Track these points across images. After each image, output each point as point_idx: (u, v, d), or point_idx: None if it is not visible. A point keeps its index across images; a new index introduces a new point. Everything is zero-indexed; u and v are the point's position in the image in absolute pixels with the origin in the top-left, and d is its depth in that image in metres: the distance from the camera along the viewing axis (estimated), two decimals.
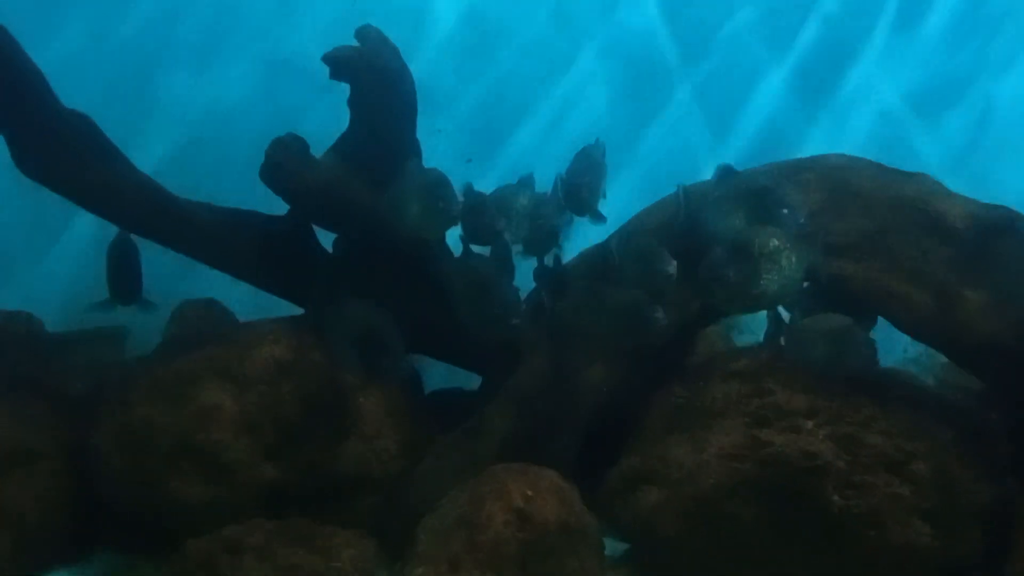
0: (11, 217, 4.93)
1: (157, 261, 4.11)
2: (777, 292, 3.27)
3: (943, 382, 4.30)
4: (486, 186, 3.77)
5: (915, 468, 3.35)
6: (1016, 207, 3.72)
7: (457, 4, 5.70)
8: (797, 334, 3.49)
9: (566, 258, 3.96)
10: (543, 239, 3.78)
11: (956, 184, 3.91)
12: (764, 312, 3.66)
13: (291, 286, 4.15)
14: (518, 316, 3.59)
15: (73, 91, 3.81)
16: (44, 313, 4.45)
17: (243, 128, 4.93)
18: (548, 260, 3.85)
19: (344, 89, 3.99)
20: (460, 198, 3.60)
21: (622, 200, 4.10)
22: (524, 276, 3.86)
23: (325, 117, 4.09)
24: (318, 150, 4.02)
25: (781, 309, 3.57)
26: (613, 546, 3.56)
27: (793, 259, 3.23)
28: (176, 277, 4.36)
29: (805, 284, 3.36)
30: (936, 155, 5.76)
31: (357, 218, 4.02)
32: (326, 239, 4.22)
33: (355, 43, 3.96)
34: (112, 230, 4.05)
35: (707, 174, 3.82)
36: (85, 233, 4.73)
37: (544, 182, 3.79)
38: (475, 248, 3.77)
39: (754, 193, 3.48)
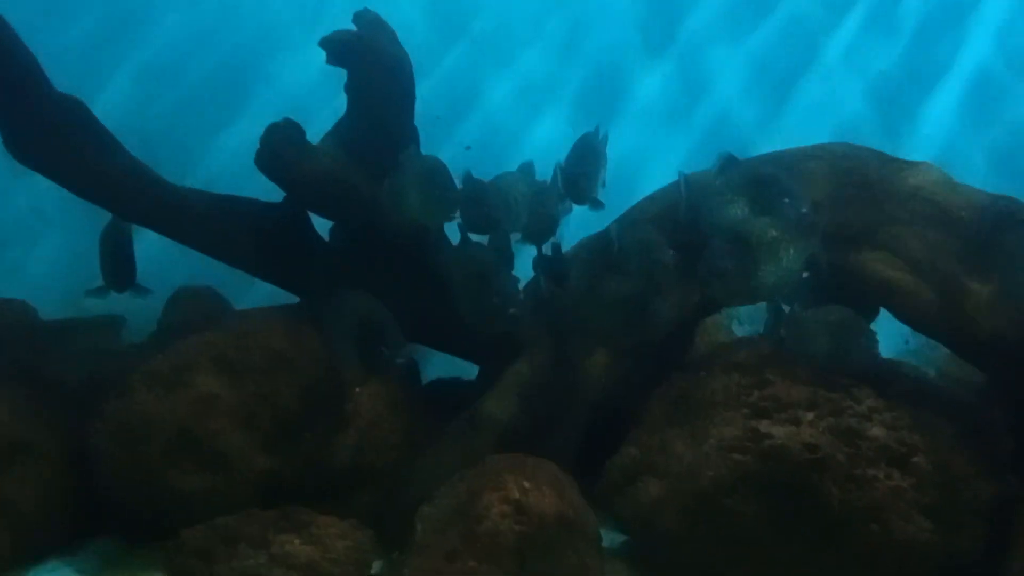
0: (6, 201, 4.89)
1: (153, 247, 4.09)
2: (775, 284, 3.24)
3: (945, 375, 4.26)
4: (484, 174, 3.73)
5: (917, 461, 3.31)
6: None
7: None
8: (798, 326, 3.46)
9: (565, 247, 3.92)
10: (542, 228, 3.75)
11: None
12: (765, 303, 3.62)
13: (287, 275, 4.11)
14: (517, 306, 3.56)
15: None
16: (40, 300, 4.42)
17: None
18: (547, 249, 3.82)
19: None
20: (459, 186, 3.57)
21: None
22: (523, 266, 3.82)
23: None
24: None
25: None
26: (612, 539, 3.54)
27: (791, 250, 3.20)
28: (172, 263, 4.33)
29: (805, 275, 3.33)
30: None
31: (355, 206, 3.98)
32: (322, 228, 4.18)
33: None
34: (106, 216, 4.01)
35: None
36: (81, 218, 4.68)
37: (543, 171, 3.76)
38: (474, 237, 3.74)
39: (756, 182, 3.44)
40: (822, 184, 3.79)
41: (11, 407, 3.71)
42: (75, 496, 3.71)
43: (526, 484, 3.14)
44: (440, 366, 4.53)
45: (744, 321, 4.64)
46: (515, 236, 3.78)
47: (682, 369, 3.82)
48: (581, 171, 3.68)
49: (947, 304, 3.54)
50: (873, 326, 3.57)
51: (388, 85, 4.00)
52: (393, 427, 3.87)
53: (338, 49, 3.91)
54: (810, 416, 3.38)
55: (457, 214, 3.66)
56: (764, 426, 3.37)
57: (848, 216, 3.74)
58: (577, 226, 3.92)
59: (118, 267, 3.96)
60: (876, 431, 3.34)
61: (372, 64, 3.93)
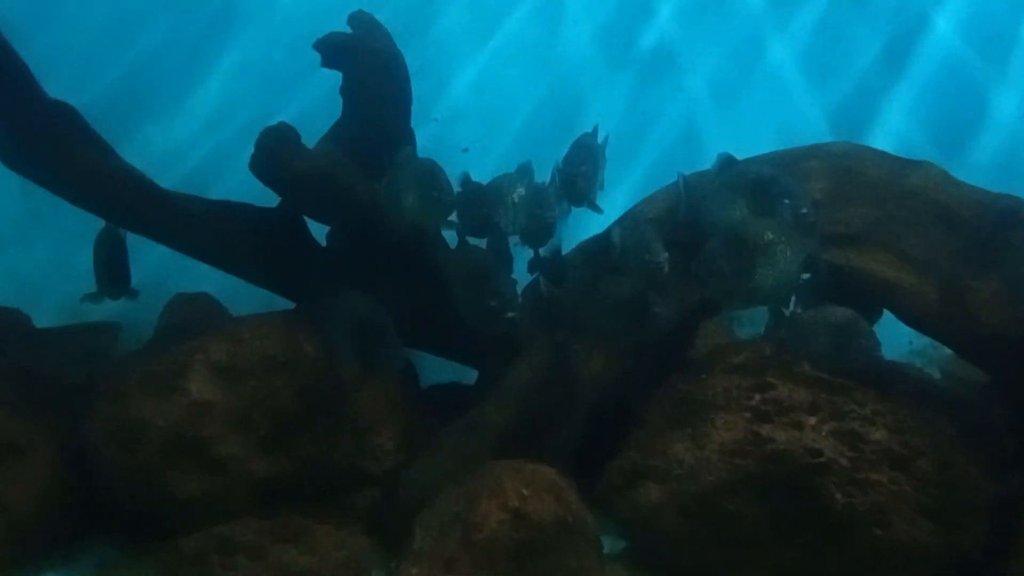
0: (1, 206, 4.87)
1: (150, 253, 4.06)
2: (773, 286, 3.21)
3: (948, 375, 4.23)
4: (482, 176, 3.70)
5: (919, 464, 3.30)
6: None
7: None
8: (799, 327, 3.43)
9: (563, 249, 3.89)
10: (540, 230, 3.71)
11: None
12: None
13: (283, 281, 4.09)
14: (515, 309, 3.53)
15: None
16: (35, 304, 4.40)
17: None
18: (544, 251, 3.79)
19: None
20: (456, 187, 3.53)
21: None
22: (522, 267, 3.80)
23: None
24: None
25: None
26: (612, 543, 3.52)
27: (789, 252, 3.17)
28: (169, 270, 4.30)
29: (805, 276, 3.30)
30: None
31: (352, 207, 3.95)
32: (319, 233, 4.15)
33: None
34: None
35: None
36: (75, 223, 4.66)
37: (542, 171, 3.72)
38: (471, 239, 3.71)
39: (756, 183, 3.41)
40: (821, 183, 3.76)
41: (9, 408, 3.69)
42: (71, 498, 3.69)
43: (525, 491, 3.12)
44: (437, 372, 4.50)
45: (745, 323, 4.61)
46: (513, 238, 3.75)
47: (682, 370, 3.80)
48: (579, 172, 3.64)
49: (949, 303, 3.52)
50: (876, 327, 3.53)
51: (384, 86, 3.96)
52: (391, 431, 3.85)
53: (333, 51, 3.87)
54: (812, 420, 3.37)
55: (454, 215, 3.63)
56: (766, 430, 3.35)
57: (848, 215, 3.70)
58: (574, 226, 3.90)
59: (112, 273, 3.94)
60: (878, 434, 3.32)
61: (367, 66, 3.89)
